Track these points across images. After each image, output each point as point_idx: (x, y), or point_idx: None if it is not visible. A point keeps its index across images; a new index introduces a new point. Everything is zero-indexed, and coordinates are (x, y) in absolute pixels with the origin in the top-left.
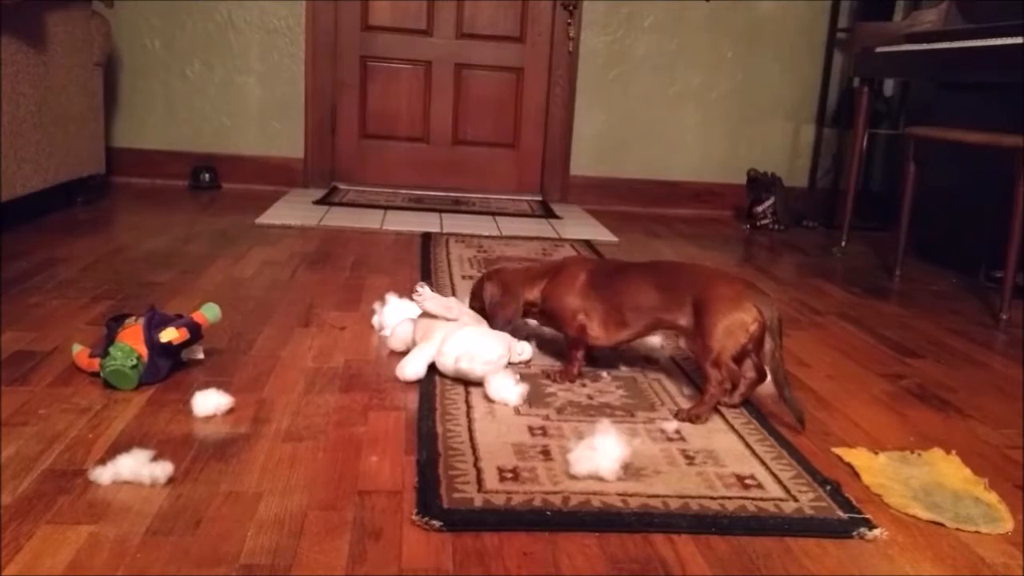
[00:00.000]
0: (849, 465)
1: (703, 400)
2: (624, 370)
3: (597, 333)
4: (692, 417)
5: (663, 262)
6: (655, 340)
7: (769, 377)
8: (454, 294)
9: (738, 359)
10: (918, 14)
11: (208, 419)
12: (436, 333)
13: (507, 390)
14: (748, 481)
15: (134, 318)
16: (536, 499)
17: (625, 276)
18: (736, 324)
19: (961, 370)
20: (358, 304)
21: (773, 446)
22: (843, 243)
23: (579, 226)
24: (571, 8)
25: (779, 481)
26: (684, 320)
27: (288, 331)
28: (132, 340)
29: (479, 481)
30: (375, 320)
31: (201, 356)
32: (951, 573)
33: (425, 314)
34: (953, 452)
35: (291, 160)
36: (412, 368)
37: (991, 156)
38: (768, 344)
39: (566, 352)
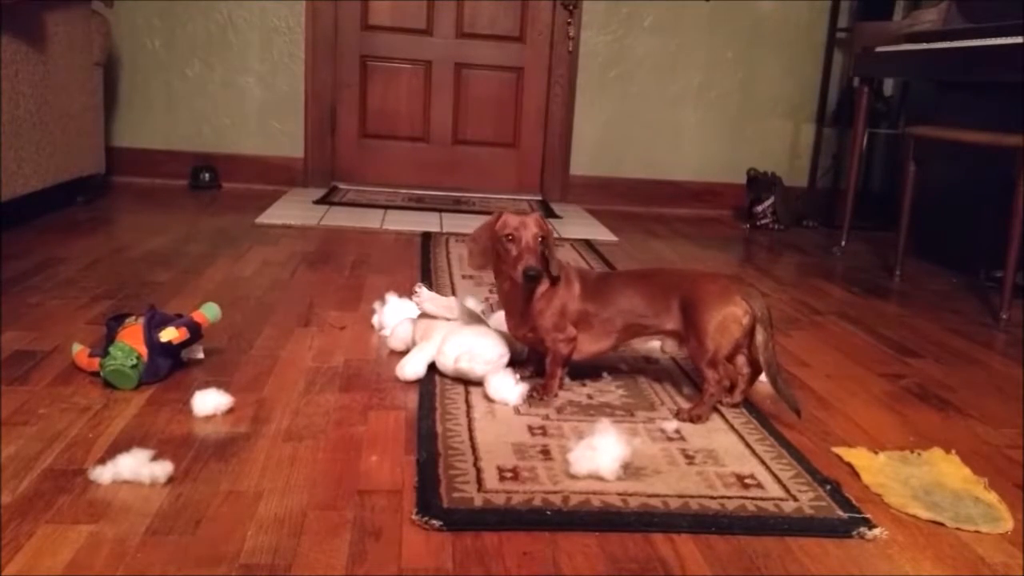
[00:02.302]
0: (849, 465)
1: (703, 400)
2: (624, 370)
3: (583, 345)
4: (693, 417)
5: (644, 269)
6: (655, 341)
7: (763, 370)
8: (454, 294)
9: (732, 355)
10: (918, 14)
11: (208, 419)
12: (436, 333)
13: (507, 390)
14: (748, 481)
15: (134, 318)
16: (536, 499)
17: (610, 286)
18: (729, 319)
19: (961, 370)
20: (358, 304)
21: (773, 446)
22: (843, 243)
23: (579, 226)
24: (571, 8)
25: (779, 481)
26: (671, 324)
27: (288, 331)
28: (132, 340)
29: (479, 481)
30: (375, 320)
31: (201, 356)
32: (951, 573)
33: (425, 314)
34: (953, 452)
35: (291, 160)
36: (412, 368)
37: (991, 156)
38: (760, 336)
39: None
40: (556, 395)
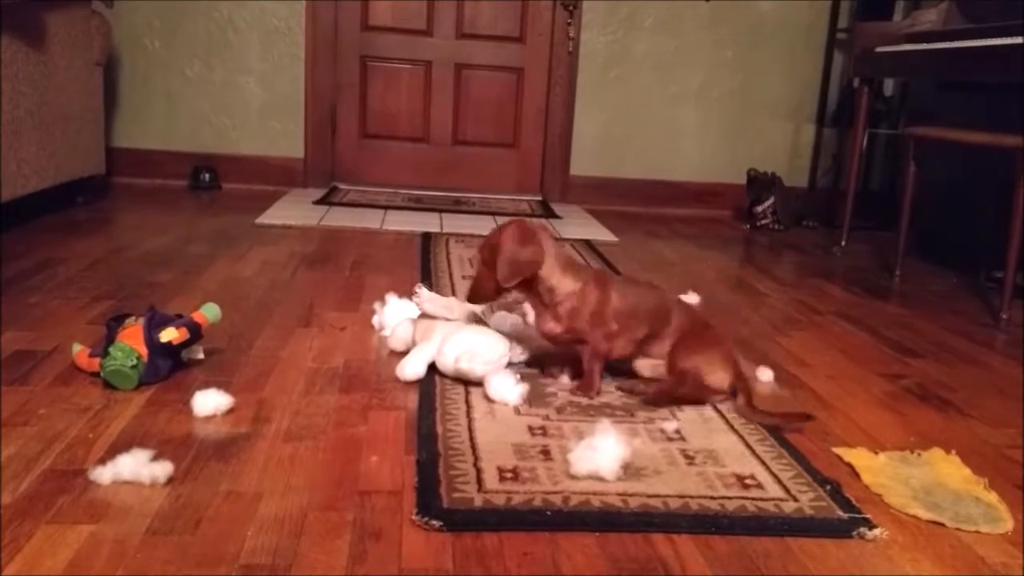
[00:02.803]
0: (849, 465)
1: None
2: (624, 370)
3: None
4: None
5: (664, 297)
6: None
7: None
8: (454, 294)
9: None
10: (918, 14)
11: (208, 419)
12: (436, 333)
13: (507, 390)
14: (748, 481)
15: (134, 318)
16: (536, 499)
17: (636, 293)
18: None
19: (961, 370)
20: (358, 304)
21: (773, 446)
22: (843, 243)
23: (579, 226)
24: (571, 8)
25: (779, 481)
26: (663, 348)
27: (288, 331)
28: (132, 340)
29: (479, 481)
30: (375, 320)
31: (201, 356)
32: (951, 573)
33: (425, 314)
34: (953, 452)
35: (291, 160)
36: (412, 368)
37: (991, 156)
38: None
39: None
40: (599, 392)
